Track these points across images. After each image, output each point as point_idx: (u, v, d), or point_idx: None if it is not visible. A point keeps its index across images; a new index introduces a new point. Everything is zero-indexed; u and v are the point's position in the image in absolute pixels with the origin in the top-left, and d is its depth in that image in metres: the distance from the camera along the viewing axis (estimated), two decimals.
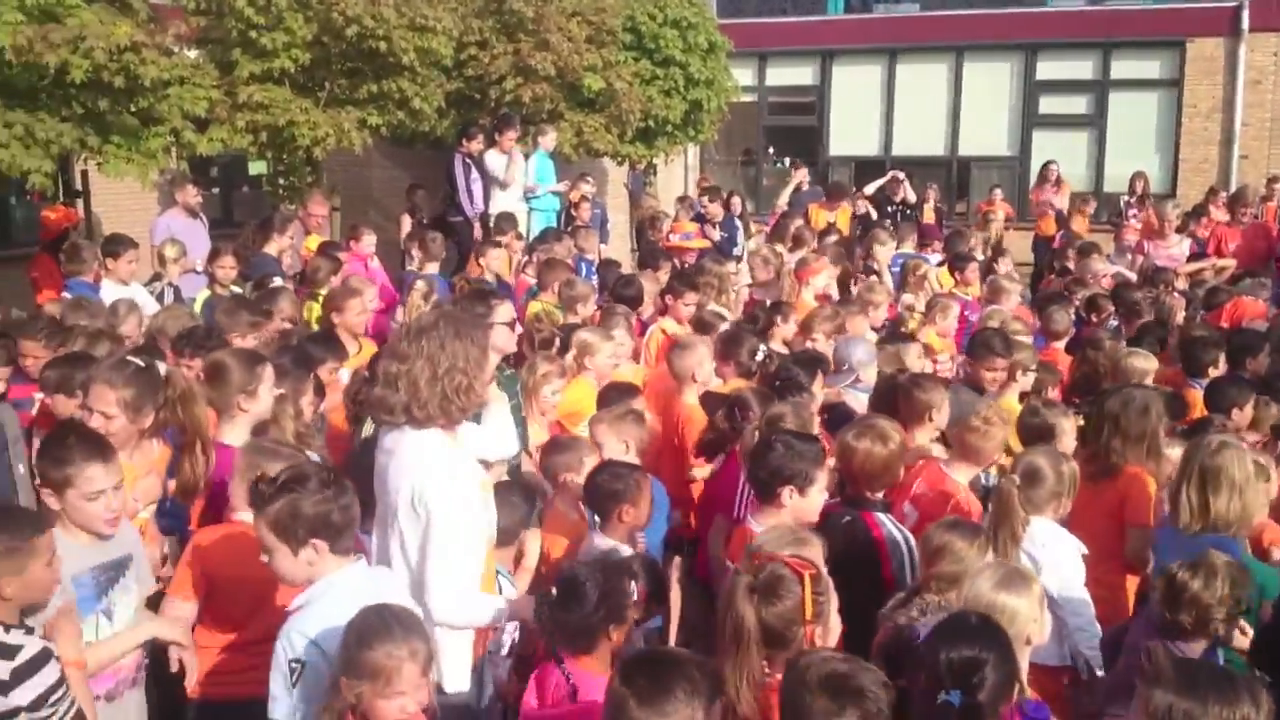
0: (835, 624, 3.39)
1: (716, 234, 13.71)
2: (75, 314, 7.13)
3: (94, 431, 4.08)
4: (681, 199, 15.80)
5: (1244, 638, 4.33)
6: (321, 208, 10.87)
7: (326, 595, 3.38)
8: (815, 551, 3.65)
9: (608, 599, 3.56)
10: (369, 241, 10.78)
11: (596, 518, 4.71)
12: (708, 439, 5.67)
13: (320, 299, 8.66)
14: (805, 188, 16.30)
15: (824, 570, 3.43)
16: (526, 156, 12.94)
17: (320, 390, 5.87)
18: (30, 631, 3.43)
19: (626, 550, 4.56)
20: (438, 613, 3.65)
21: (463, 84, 13.07)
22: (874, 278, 10.47)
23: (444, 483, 3.69)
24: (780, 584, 3.23)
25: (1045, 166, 16.82)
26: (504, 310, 5.05)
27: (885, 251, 11.46)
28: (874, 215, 15.56)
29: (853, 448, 4.66)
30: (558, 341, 7.00)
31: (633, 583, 3.69)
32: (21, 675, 3.31)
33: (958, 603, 3.67)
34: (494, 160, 12.58)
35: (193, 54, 11.09)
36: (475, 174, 12.46)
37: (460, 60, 12.84)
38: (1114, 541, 5.06)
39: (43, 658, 3.38)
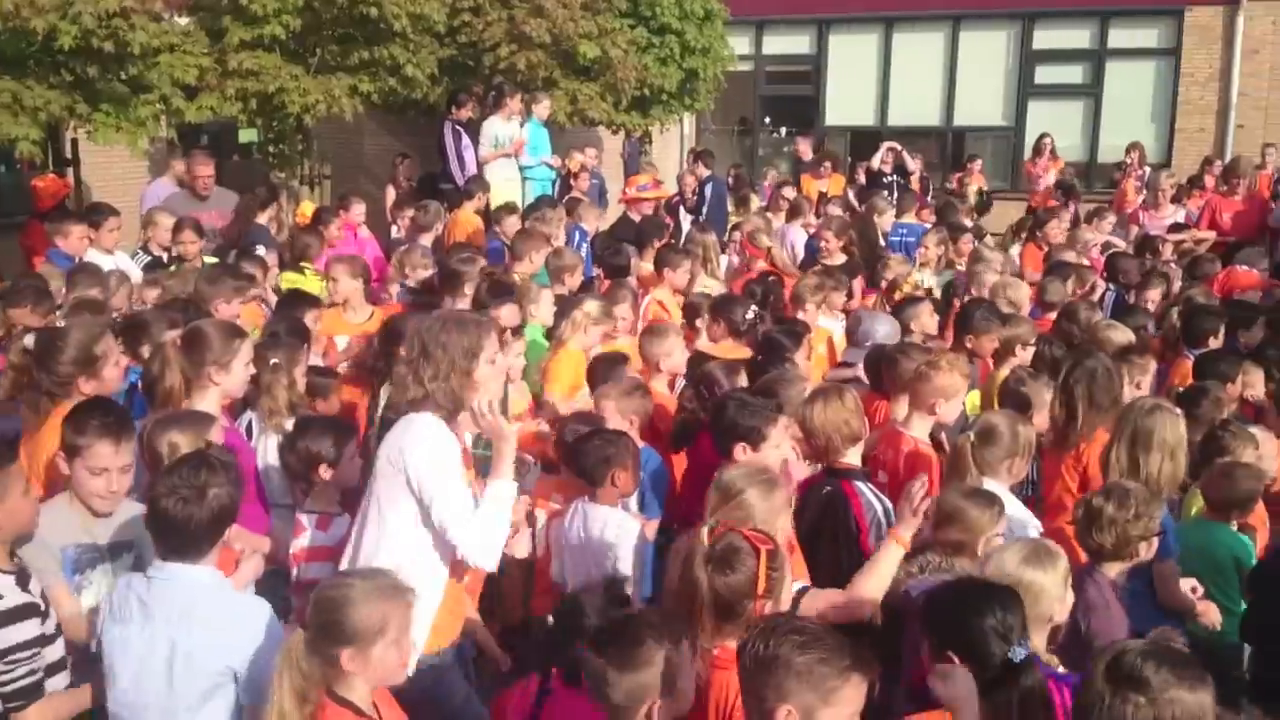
0: (786, 601, 3.39)
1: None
2: (79, 279, 7.13)
3: (121, 413, 4.11)
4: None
5: (1211, 615, 4.43)
6: (205, 168, 10.32)
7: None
8: (780, 496, 3.72)
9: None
10: (358, 211, 10.76)
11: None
12: (679, 423, 5.56)
13: (307, 273, 8.62)
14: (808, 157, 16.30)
15: (783, 546, 3.44)
16: (521, 124, 12.81)
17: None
18: (22, 583, 3.45)
19: (622, 517, 4.56)
20: (466, 548, 3.78)
21: (455, 51, 12.94)
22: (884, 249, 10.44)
23: (423, 441, 3.82)
24: (735, 555, 3.23)
25: (1040, 139, 16.74)
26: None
27: (885, 220, 11.41)
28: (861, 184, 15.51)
29: (803, 414, 4.66)
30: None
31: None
32: None
33: (974, 570, 3.69)
34: (499, 127, 12.43)
35: (183, 21, 10.99)
36: (466, 141, 12.33)
37: (453, 26, 12.72)
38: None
39: (23, 612, 3.39)
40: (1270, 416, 5.98)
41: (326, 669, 3.00)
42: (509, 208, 10.49)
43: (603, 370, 5.92)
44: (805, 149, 16.60)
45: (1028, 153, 17.48)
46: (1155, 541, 4.09)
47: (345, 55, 11.58)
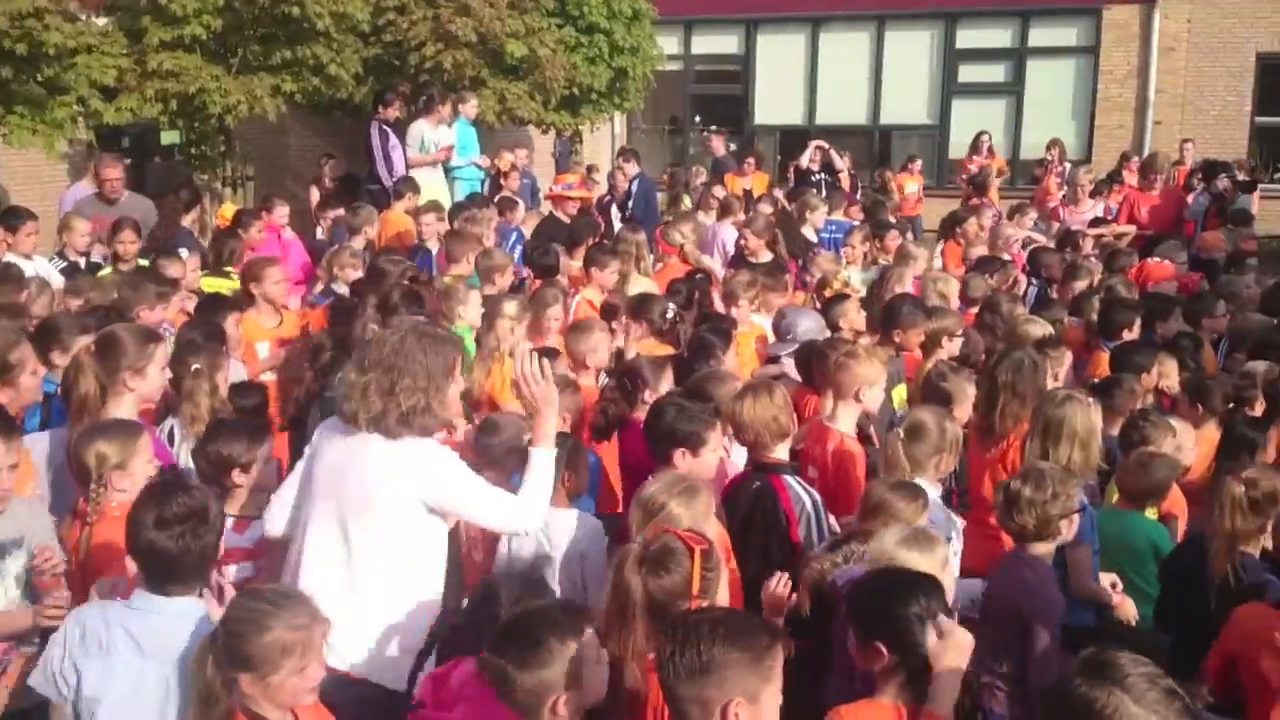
0: (722, 600, 3.40)
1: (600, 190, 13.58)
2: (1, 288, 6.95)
3: (4, 411, 4.04)
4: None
5: (1127, 610, 4.52)
6: (113, 170, 9.87)
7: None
8: (703, 500, 3.73)
9: None
10: (281, 212, 10.54)
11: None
12: (599, 418, 5.49)
13: (231, 276, 8.48)
14: (721, 153, 16.33)
15: (717, 546, 3.44)
16: (449, 125, 12.71)
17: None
18: None
19: (582, 517, 4.54)
20: (522, 527, 3.88)
21: (381, 50, 12.83)
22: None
23: (428, 463, 3.69)
24: (670, 557, 3.22)
25: (978, 136, 16.92)
26: None
27: (818, 217, 11.51)
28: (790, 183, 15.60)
29: (732, 410, 4.66)
30: None
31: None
32: None
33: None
34: (426, 130, 12.30)
35: (101, 21, 10.78)
36: (394, 141, 12.21)
37: (378, 25, 12.61)
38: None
39: None
40: (1183, 406, 6.12)
41: (231, 685, 2.94)
42: (429, 205, 10.41)
43: None
44: (719, 145, 16.66)
45: (952, 151, 17.70)
46: (1076, 519, 4.16)
47: (267, 55, 11.43)
